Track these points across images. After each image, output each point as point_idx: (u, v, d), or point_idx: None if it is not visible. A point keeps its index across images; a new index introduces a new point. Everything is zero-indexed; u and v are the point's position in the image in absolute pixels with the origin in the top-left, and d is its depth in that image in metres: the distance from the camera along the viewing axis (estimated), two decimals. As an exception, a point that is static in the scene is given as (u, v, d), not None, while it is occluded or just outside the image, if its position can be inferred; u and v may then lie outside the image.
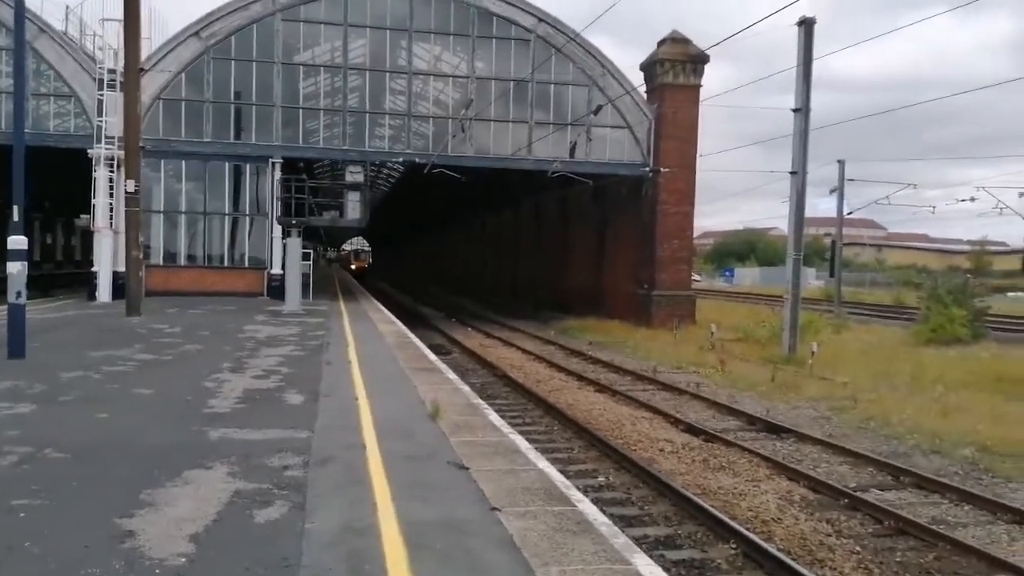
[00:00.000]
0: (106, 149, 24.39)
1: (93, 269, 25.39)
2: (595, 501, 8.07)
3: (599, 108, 26.94)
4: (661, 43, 28.74)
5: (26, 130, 12.80)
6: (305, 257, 25.30)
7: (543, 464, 6.81)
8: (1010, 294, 46.26)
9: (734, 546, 7.22)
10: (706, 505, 8.14)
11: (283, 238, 25.13)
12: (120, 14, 20.58)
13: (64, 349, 13.11)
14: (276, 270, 25.96)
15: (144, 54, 22.50)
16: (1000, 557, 7.08)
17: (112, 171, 24.54)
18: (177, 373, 10.98)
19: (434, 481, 6.08)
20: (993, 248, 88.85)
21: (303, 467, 6.31)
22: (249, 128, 26.77)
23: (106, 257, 24.75)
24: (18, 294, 11.56)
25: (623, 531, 6.48)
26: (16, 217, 11.55)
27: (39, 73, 25.15)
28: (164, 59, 25.60)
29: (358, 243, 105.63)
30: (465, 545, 4.78)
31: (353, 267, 73.79)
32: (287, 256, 23.79)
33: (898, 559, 7.21)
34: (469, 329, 28.54)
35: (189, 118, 26.11)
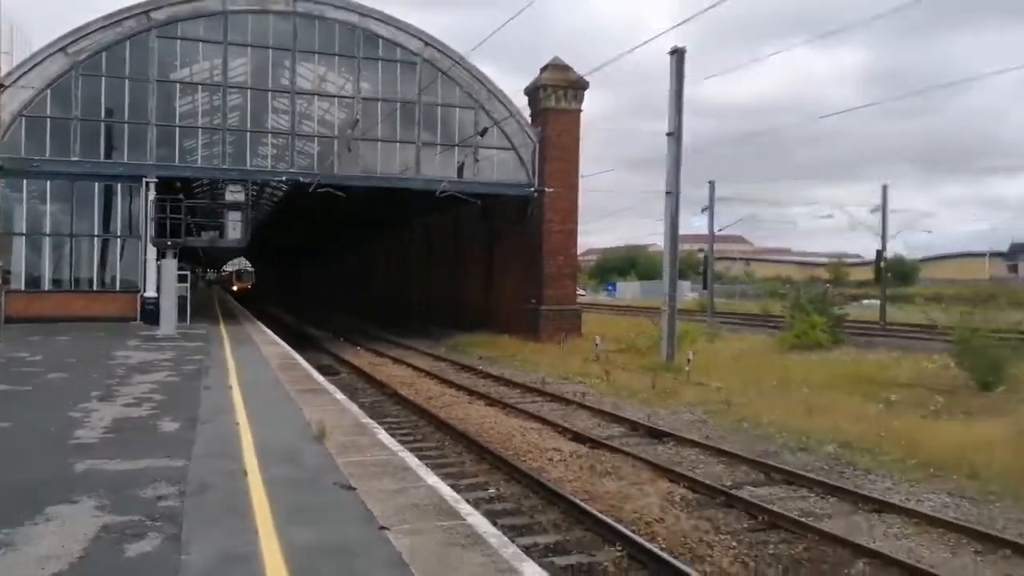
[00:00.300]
0: (-45, 167, 22.60)
1: (-58, 296, 23.36)
2: (486, 513, 8.14)
3: (485, 130, 27.37)
4: (543, 69, 29.54)
5: None
6: (182, 279, 24.25)
7: (433, 480, 6.83)
8: (865, 302, 49.81)
9: (620, 548, 7.45)
10: (593, 510, 8.36)
11: (157, 260, 23.98)
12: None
13: (-94, 384, 11.98)
14: (150, 293, 24.70)
15: (4, 69, 21.08)
16: (862, 544, 7.64)
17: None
18: (39, 404, 10.27)
19: (320, 504, 5.99)
20: (849, 260, 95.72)
21: (179, 497, 6.06)
22: (121, 147, 25.49)
23: (-43, 283, 22.81)
24: None
25: (513, 541, 6.59)
26: None
27: None
28: (27, 74, 23.98)
29: (240, 264, 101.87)
30: (352, 567, 4.74)
31: (235, 288, 71.02)
32: (162, 278, 22.70)
33: (771, 551, 7.64)
34: (359, 348, 28.08)
35: (55, 136, 24.61)
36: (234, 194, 24.35)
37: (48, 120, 24.59)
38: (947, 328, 18.18)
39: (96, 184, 25.56)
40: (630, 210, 76.87)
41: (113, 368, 13.97)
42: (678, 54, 20.93)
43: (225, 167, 26.31)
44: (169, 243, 22.89)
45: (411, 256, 44.46)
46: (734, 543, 7.81)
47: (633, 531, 7.85)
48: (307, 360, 16.99)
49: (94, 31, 24.77)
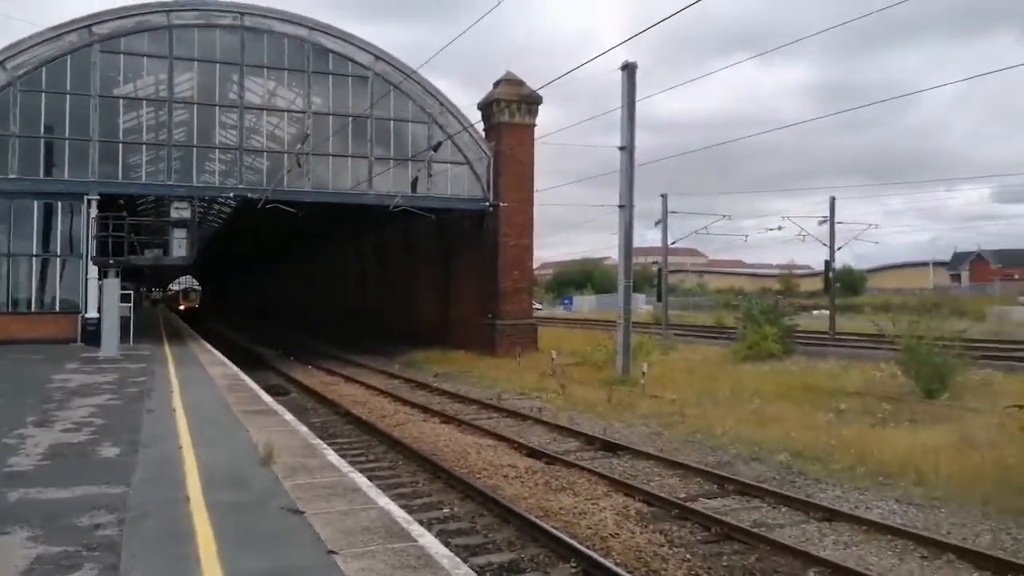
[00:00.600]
0: None
1: None
2: (440, 533, 8.04)
3: (439, 144, 27.29)
4: (497, 84, 29.63)
5: None
6: (125, 299, 23.55)
7: (384, 501, 6.69)
8: (815, 312, 51.00)
9: (574, 564, 7.39)
10: (548, 527, 8.29)
11: (99, 279, 23.27)
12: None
13: None
14: (92, 314, 23.95)
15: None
16: (813, 553, 7.72)
17: None
18: (-30, 432, 9.80)
19: (266, 529, 5.81)
20: (799, 271, 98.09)
21: (117, 525, 5.83)
22: (62, 164, 24.80)
23: None
24: None
25: (466, 561, 6.50)
26: None
27: None
28: (-37, 91, 23.21)
29: (187, 282, 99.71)
30: (298, 591, 4.59)
31: (182, 307, 69.29)
32: (104, 298, 22.00)
33: (724, 563, 7.66)
34: (310, 367, 27.62)
35: (-8, 153, 23.79)
36: (180, 211, 23.75)
37: (-17, 137, 23.80)
38: (894, 337, 18.61)
39: (35, 202, 24.83)
40: (585, 224, 77.64)
41: (51, 392, 13.46)
42: (629, 69, 21.20)
43: (171, 183, 25.74)
44: (111, 262, 22.21)
45: (365, 272, 44.05)
46: (688, 556, 7.81)
47: (588, 547, 7.80)
48: (255, 380, 16.63)
49: (34, 45, 24.12)
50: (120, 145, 25.45)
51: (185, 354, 22.36)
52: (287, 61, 27.09)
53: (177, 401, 12.33)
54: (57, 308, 25.07)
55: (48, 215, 25.19)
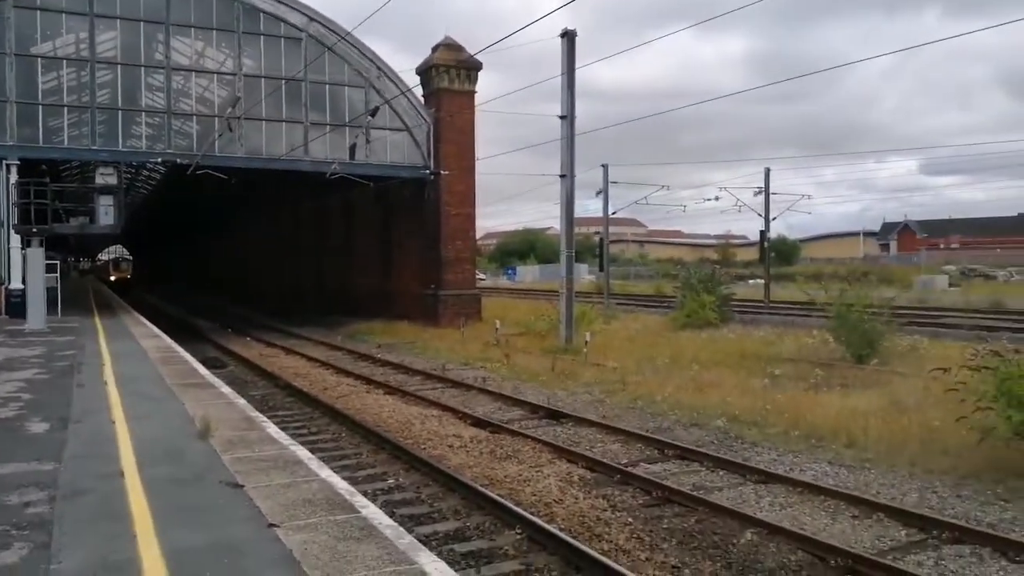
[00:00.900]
0: None
1: None
2: (385, 504, 8.00)
3: (376, 109, 26.71)
4: (435, 48, 29.08)
5: None
6: (51, 269, 22.58)
7: (326, 473, 6.59)
8: (750, 281, 52.31)
9: (520, 531, 7.45)
10: (493, 495, 8.33)
11: (23, 249, 22.20)
12: None
13: None
14: (16, 285, 22.87)
15: None
16: (750, 514, 7.95)
17: None
18: None
19: (204, 503, 5.66)
20: (736, 241, 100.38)
21: (48, 503, 5.62)
22: (-23, 127, 23.36)
23: None
24: None
25: (412, 531, 6.49)
26: None
27: None
28: None
29: (118, 252, 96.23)
30: (239, 567, 4.50)
31: (113, 278, 66.78)
32: (27, 269, 21.05)
33: (665, 526, 7.83)
34: (248, 339, 27.03)
35: None
36: (106, 177, 22.71)
37: None
38: (825, 305, 19.20)
39: (-52, 167, 23.41)
40: (528, 193, 77.84)
41: (-28, 367, 12.83)
42: (569, 36, 21.05)
43: (95, 148, 24.53)
44: (34, 230, 21.23)
45: (303, 242, 43.17)
46: (630, 519, 7.96)
47: (532, 513, 7.86)
48: (191, 353, 16.19)
49: (-60, -2, 22.58)
50: (40, 107, 24.12)
51: (116, 326, 21.61)
52: (215, 20, 26.01)
53: (109, 374, 11.91)
54: (-23, 279, 23.84)
55: (-37, 181, 23.82)
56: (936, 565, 6.75)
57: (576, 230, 23.23)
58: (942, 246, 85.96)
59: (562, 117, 21.29)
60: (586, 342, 19.04)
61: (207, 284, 64.61)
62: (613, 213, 37.77)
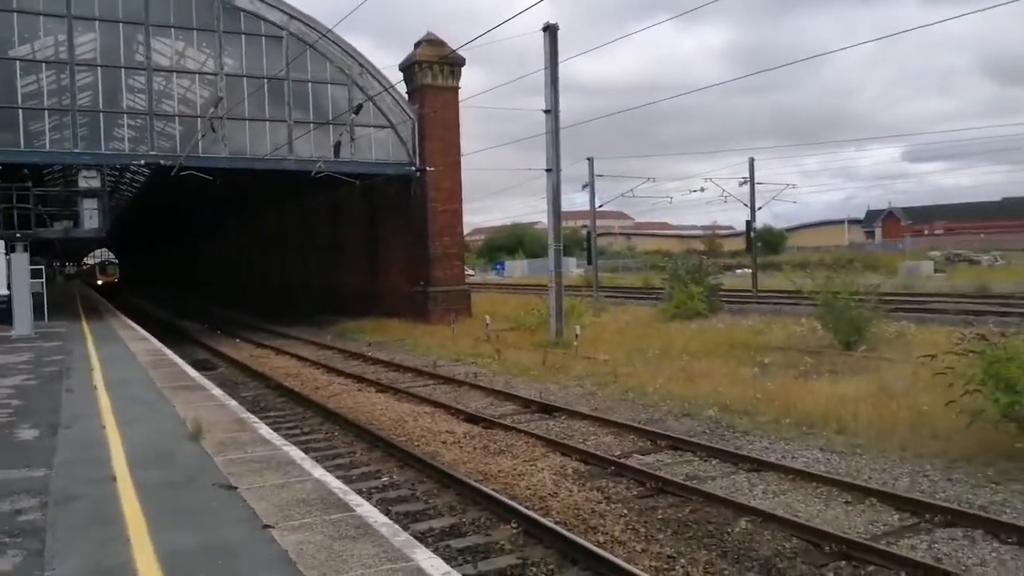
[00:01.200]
0: None
1: None
2: (379, 502, 7.99)
3: (360, 106, 26.55)
4: (418, 45, 28.95)
5: None
6: (36, 274, 22.36)
7: (319, 473, 6.57)
8: (738, 271, 52.47)
9: (515, 525, 7.45)
10: (487, 490, 8.34)
11: (7, 254, 21.99)
12: None
13: None
14: (1, 291, 22.64)
15: None
16: (744, 503, 7.99)
17: None
18: None
19: (197, 506, 5.64)
20: (722, 232, 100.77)
21: (40, 509, 5.59)
22: (-45, 132, 23.07)
23: None
24: None
25: (406, 528, 6.48)
26: None
27: None
28: None
29: (103, 255, 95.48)
30: (234, 568, 4.49)
31: (100, 282, 66.28)
32: (12, 274, 20.86)
33: (660, 516, 7.86)
34: (237, 340, 26.90)
35: None
36: (89, 180, 22.52)
37: None
38: (812, 293, 19.30)
39: (-72, 174, 23.12)
40: (515, 188, 77.68)
41: (-42, 375, 12.71)
42: (551, 30, 21.01)
43: (77, 151, 24.26)
44: (18, 235, 21.03)
45: (290, 242, 42.97)
46: (625, 511, 7.98)
47: (528, 507, 7.87)
48: (181, 356, 16.12)
49: (-86, 3, 22.27)
50: (20, 111, 23.83)
51: (104, 331, 21.46)
52: (195, 20, 25.77)
53: (98, 379, 11.84)
54: (-40, 286, 23.55)
55: (-56, 188, 23.53)
56: (929, 548, 6.80)
57: (563, 224, 23.23)
58: (926, 232, 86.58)
59: (546, 111, 21.26)
60: (576, 335, 19.06)
61: (194, 286, 64.23)
62: (600, 206, 37.81)
